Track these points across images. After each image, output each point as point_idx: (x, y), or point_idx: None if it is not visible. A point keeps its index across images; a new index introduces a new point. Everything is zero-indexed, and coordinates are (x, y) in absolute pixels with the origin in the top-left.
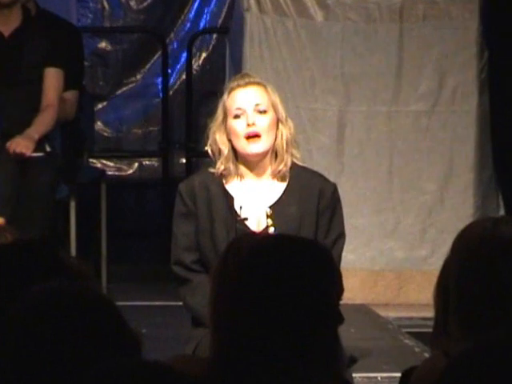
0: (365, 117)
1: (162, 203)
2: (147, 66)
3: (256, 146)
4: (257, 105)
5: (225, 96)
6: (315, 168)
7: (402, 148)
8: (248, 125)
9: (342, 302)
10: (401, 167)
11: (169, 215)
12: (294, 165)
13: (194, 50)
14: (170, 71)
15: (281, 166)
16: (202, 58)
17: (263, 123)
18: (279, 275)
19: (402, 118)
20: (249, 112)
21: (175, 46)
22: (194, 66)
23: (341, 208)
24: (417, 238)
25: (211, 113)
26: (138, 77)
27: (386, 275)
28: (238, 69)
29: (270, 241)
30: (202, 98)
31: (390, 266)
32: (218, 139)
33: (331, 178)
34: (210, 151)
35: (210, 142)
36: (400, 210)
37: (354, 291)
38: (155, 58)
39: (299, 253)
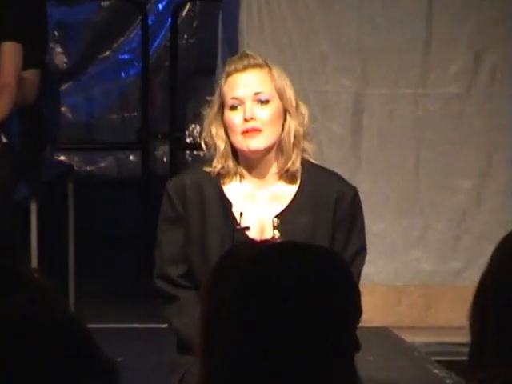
0: (386, 101)
1: (142, 205)
2: (123, 39)
3: (255, 141)
4: (257, 94)
5: (222, 81)
6: (325, 164)
7: (430, 139)
8: (245, 119)
9: (359, 325)
10: (429, 162)
11: (150, 219)
12: (305, 163)
13: (179, 21)
14: (150, 45)
15: (288, 165)
16: (190, 29)
17: (264, 116)
18: (285, 292)
19: (431, 103)
20: (247, 103)
21: (157, 14)
22: (180, 40)
23: (362, 217)
24: (448, 247)
25: (200, 96)
26: (112, 52)
27: (411, 292)
28: (232, 44)
29: (274, 250)
30: (190, 78)
31: (417, 280)
32: (213, 132)
33: (345, 176)
34: (204, 146)
35: (204, 134)
36: (428, 213)
37: (372, 311)
38: (133, 29)
39: (310, 265)
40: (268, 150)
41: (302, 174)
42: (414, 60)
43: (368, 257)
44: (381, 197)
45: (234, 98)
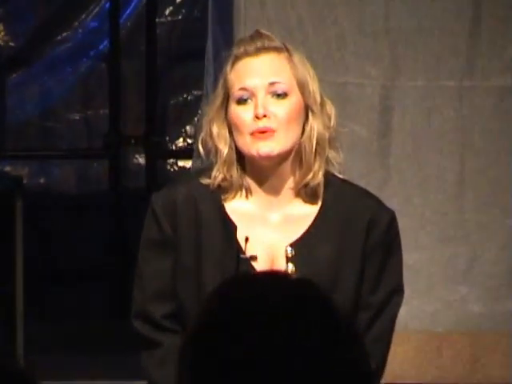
0: (422, 96)
1: (111, 227)
2: (85, 16)
3: (267, 144)
4: (272, 84)
5: (227, 67)
6: (345, 176)
7: (478, 144)
8: (257, 117)
9: (387, 383)
10: (477, 173)
11: (121, 245)
12: (330, 177)
13: None
14: (121, 24)
15: (308, 178)
16: (172, 4)
17: (281, 113)
18: (290, 345)
19: (480, 98)
20: (259, 95)
21: None
22: (160, 17)
23: (399, 248)
24: (502, 283)
25: (185, 90)
26: (73, 32)
27: (454, 340)
28: (225, 23)
29: (281, 287)
30: (172, 67)
31: (462, 325)
32: (214, 133)
33: (371, 189)
34: (201, 149)
35: (202, 135)
36: (476, 239)
37: (406, 365)
38: (99, 3)
39: (318, 318)
40: (284, 158)
41: (325, 190)
42: (458, 44)
43: None
44: (415, 218)
45: (242, 89)
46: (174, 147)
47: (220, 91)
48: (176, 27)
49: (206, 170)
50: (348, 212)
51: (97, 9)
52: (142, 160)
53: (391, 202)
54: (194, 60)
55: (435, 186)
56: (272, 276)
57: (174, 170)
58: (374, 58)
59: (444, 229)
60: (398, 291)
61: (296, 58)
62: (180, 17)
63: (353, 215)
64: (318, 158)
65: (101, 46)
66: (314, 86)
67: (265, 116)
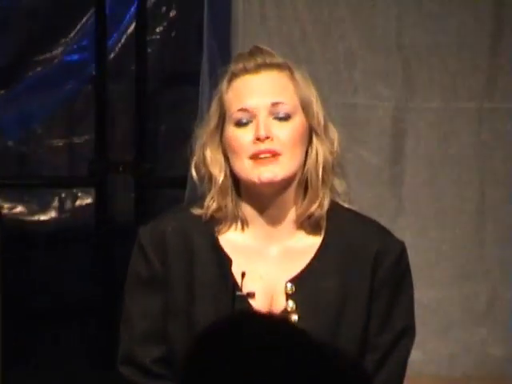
0: (438, 118)
1: (96, 262)
2: (71, 35)
3: (270, 169)
4: (275, 105)
5: (222, 86)
6: (354, 204)
7: (500, 170)
8: (258, 139)
9: None
10: (499, 203)
11: (108, 284)
12: (334, 206)
13: (149, 7)
14: (109, 42)
15: (313, 208)
16: (165, 20)
17: (284, 136)
18: None
19: (501, 121)
20: (261, 116)
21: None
22: (151, 35)
23: (411, 284)
24: None
25: (178, 113)
26: (56, 51)
27: None
28: (221, 38)
29: (283, 336)
30: (164, 88)
31: (482, 370)
32: (208, 157)
33: (382, 222)
34: (194, 176)
35: (195, 160)
36: (497, 275)
37: None
38: (84, 20)
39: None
40: (286, 185)
41: (328, 220)
42: (478, 61)
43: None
44: (431, 253)
45: (241, 110)
46: (166, 175)
47: (215, 112)
48: (169, 43)
49: (198, 200)
50: (353, 244)
51: (83, 27)
52: (131, 189)
53: (404, 236)
54: (188, 81)
55: (452, 218)
56: (270, 319)
57: (167, 200)
58: (385, 77)
59: (462, 264)
60: (408, 331)
61: (298, 75)
62: (174, 34)
63: (359, 247)
64: (323, 185)
65: (88, 65)
66: (317, 107)
67: (267, 138)
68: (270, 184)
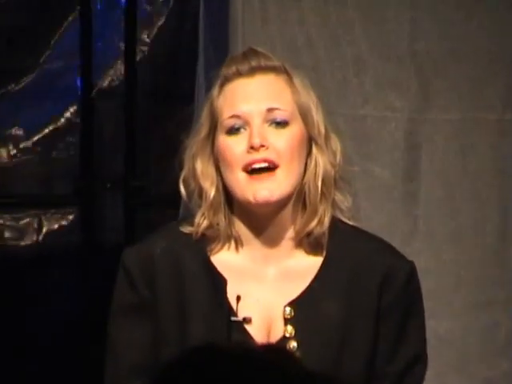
0: (456, 130)
1: (82, 289)
2: (52, 42)
3: (266, 186)
4: (270, 110)
5: (214, 90)
6: (363, 226)
7: None
8: (252, 147)
9: None
10: None
11: (93, 311)
12: (336, 223)
13: (139, 14)
14: (95, 49)
15: (312, 225)
16: (156, 24)
17: (281, 144)
18: None
19: None
20: (255, 123)
21: (104, 3)
22: (142, 38)
23: (421, 308)
24: None
25: (172, 127)
26: (38, 60)
27: None
28: (219, 43)
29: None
30: (156, 99)
31: None
32: (198, 170)
33: (394, 243)
34: (182, 191)
35: (184, 173)
36: None
37: None
38: (66, 25)
39: None
40: (284, 202)
41: (330, 238)
42: (498, 69)
43: (429, 371)
44: (447, 278)
45: (234, 117)
46: (158, 193)
47: (205, 120)
48: (160, 49)
49: (188, 218)
50: (358, 264)
51: (66, 30)
52: (119, 208)
53: (418, 259)
54: (183, 91)
55: (471, 239)
56: (268, 352)
57: (159, 220)
58: (398, 86)
59: (481, 291)
60: (420, 360)
61: (297, 80)
62: (167, 39)
63: (364, 268)
64: (323, 200)
65: (69, 74)
66: (317, 115)
67: (262, 146)
68: (266, 204)
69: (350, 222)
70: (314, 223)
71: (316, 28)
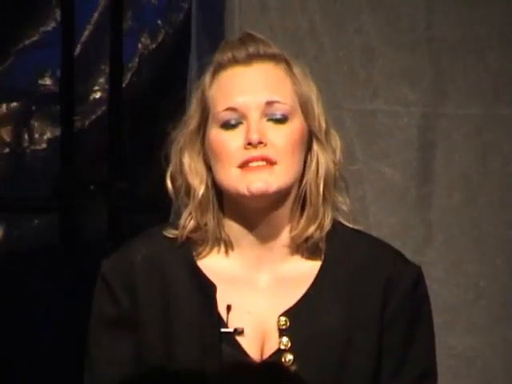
0: (476, 127)
1: (63, 300)
2: (35, 31)
3: (263, 178)
4: (269, 104)
5: (205, 79)
6: (373, 231)
7: None
8: (249, 143)
9: None
10: None
11: (75, 323)
12: (336, 225)
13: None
14: (76, 38)
15: (311, 229)
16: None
17: (280, 141)
18: None
19: None
20: (252, 117)
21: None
22: (125, 37)
23: (430, 317)
24: None
25: (162, 124)
26: (16, 49)
27: None
28: (213, 32)
29: None
30: (144, 93)
31: None
32: (186, 165)
33: (408, 253)
34: (170, 186)
35: (171, 168)
36: None
37: None
38: (48, 13)
39: None
40: (281, 199)
41: (328, 243)
42: None
43: None
44: (467, 290)
45: (229, 109)
46: (146, 195)
47: (195, 111)
48: (146, 48)
49: (173, 221)
50: (359, 269)
51: (49, 28)
52: (103, 212)
53: (435, 270)
54: (174, 84)
55: (492, 248)
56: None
57: (147, 224)
58: (411, 77)
59: (504, 304)
60: (429, 376)
61: (297, 69)
62: (152, 37)
63: (366, 273)
64: (324, 201)
65: (50, 69)
66: (319, 108)
67: (261, 143)
68: (262, 197)
69: (351, 225)
70: (313, 227)
71: (319, 14)
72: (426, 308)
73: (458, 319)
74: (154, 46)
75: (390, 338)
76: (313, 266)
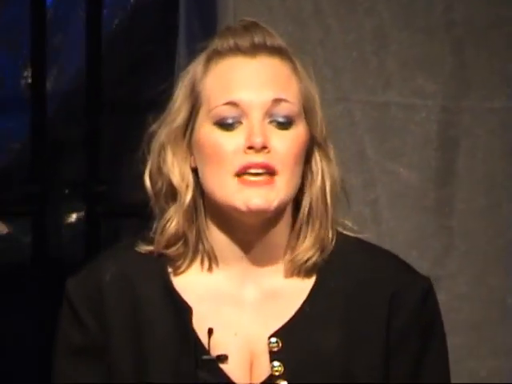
0: (502, 122)
1: (35, 317)
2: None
3: (263, 194)
4: (276, 101)
5: (197, 68)
6: (387, 239)
7: None
8: (251, 147)
9: None
10: None
11: (45, 347)
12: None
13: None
14: (53, 24)
15: (313, 251)
16: (123, 10)
17: (284, 149)
18: None
19: None
20: (254, 117)
21: None
22: (110, 22)
23: (442, 335)
24: None
25: (145, 117)
26: None
27: None
28: (205, 16)
29: None
30: (123, 82)
31: None
32: (169, 164)
33: (426, 265)
34: (149, 188)
35: (151, 166)
36: None
37: None
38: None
39: None
40: (278, 213)
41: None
42: None
43: None
44: (492, 306)
45: (229, 104)
46: (128, 199)
47: (183, 104)
48: (132, 30)
49: (144, 233)
50: (361, 282)
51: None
52: (80, 218)
53: (456, 283)
54: (158, 79)
55: None
56: None
57: (127, 232)
58: (429, 65)
59: None
60: None
61: (301, 67)
62: (133, 25)
63: (367, 287)
64: (329, 219)
65: (22, 54)
66: (319, 112)
67: (264, 148)
68: (261, 214)
69: (348, 233)
70: (316, 248)
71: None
72: (437, 326)
73: (481, 340)
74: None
75: (397, 363)
76: (307, 280)
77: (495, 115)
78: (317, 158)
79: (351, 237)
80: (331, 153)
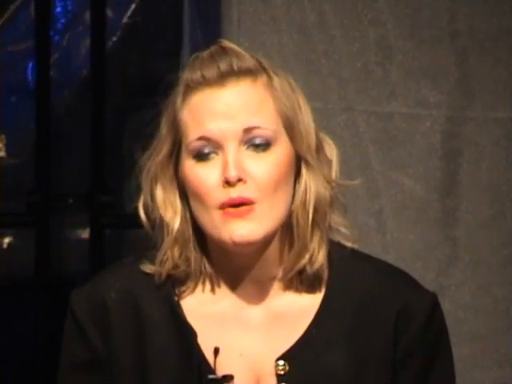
0: (507, 132)
1: (37, 331)
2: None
3: (245, 225)
4: (248, 130)
5: (177, 99)
6: (392, 253)
7: None
8: (227, 182)
9: None
10: None
11: (48, 361)
12: (336, 249)
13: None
14: (54, 36)
15: (302, 263)
16: (131, 7)
17: (262, 175)
18: None
19: None
20: (229, 148)
21: None
22: (117, 21)
23: (449, 351)
24: None
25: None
26: None
27: None
28: (209, 24)
29: None
30: (130, 93)
31: None
32: (159, 197)
33: (430, 275)
34: (143, 218)
35: (143, 199)
36: None
37: None
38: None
39: None
40: (269, 238)
41: (330, 271)
42: None
43: None
44: (498, 318)
45: (202, 139)
46: (131, 210)
47: (167, 135)
48: (134, 33)
49: (149, 251)
50: (366, 302)
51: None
52: (84, 229)
53: (461, 293)
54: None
55: None
56: None
57: (132, 243)
58: (433, 75)
59: None
60: None
61: (278, 82)
62: (140, 19)
63: (374, 305)
64: (316, 231)
65: (24, 68)
66: (305, 124)
67: (240, 180)
68: (247, 245)
69: (352, 246)
70: (304, 261)
71: (330, 2)
72: (444, 342)
73: (486, 350)
74: None
75: (404, 378)
76: (313, 301)
77: (500, 125)
78: (303, 173)
79: (353, 251)
80: (325, 160)
